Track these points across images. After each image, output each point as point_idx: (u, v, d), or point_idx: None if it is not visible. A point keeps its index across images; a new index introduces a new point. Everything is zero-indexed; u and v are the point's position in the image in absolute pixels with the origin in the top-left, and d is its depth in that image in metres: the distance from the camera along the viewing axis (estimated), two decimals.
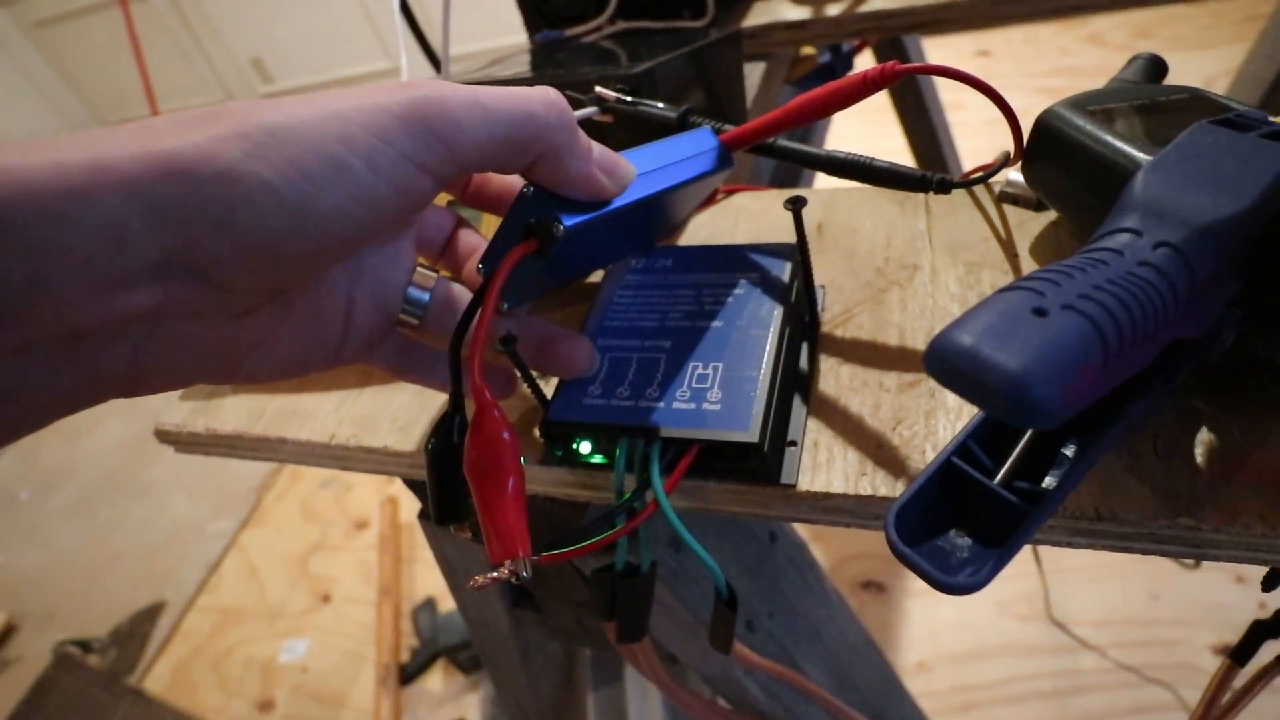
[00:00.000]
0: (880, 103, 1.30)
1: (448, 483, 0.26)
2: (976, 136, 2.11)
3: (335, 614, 1.45)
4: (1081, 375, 0.16)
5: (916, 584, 1.28)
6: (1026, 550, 1.22)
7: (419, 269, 0.29)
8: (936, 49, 2.48)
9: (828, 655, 0.52)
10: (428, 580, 1.47)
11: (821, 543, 1.33)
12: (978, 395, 0.17)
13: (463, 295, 0.30)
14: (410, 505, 1.61)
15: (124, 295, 0.18)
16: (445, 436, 0.26)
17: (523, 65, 0.48)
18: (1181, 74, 2.01)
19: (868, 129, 1.92)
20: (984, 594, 1.25)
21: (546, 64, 0.47)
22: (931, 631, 1.21)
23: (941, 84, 1.35)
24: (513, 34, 0.69)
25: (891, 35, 0.59)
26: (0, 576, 1.73)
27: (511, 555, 0.22)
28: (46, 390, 0.19)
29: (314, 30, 3.11)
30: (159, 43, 3.19)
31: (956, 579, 0.20)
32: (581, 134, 0.25)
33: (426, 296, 0.29)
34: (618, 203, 0.28)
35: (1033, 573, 1.21)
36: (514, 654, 0.55)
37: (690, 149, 0.32)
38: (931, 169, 0.33)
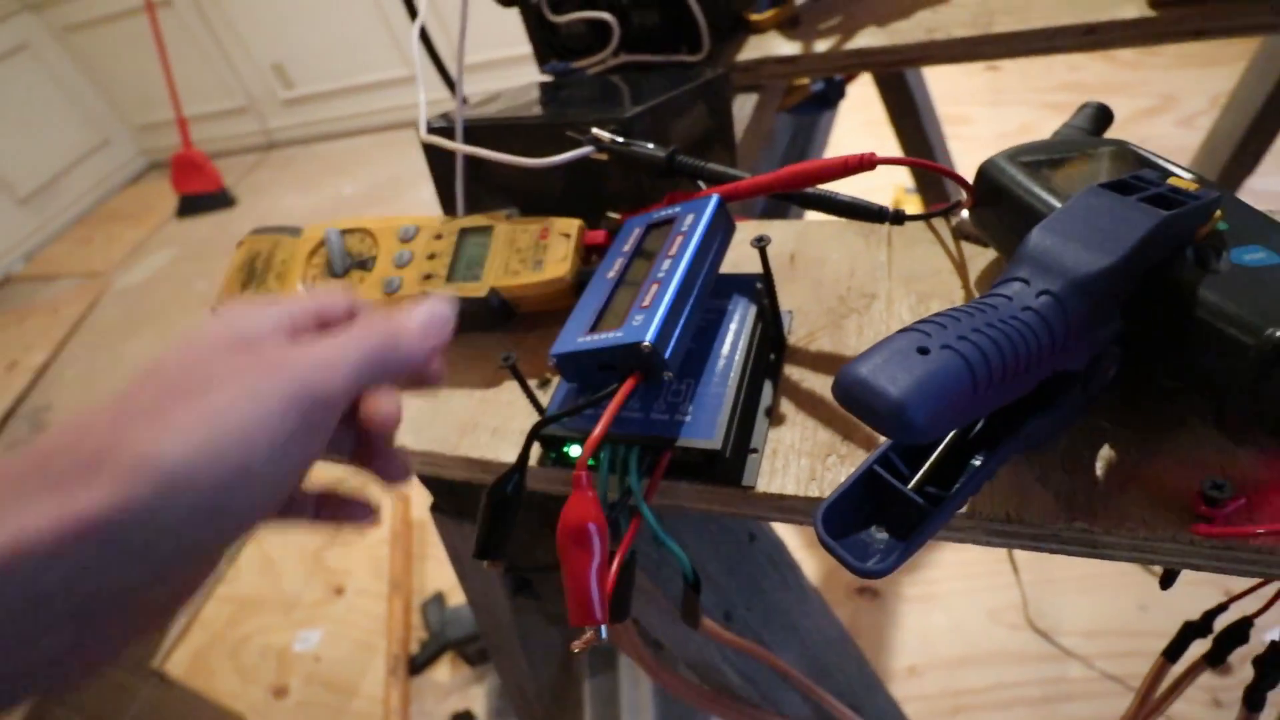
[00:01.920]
0: (882, 115, 1.34)
1: (496, 527, 0.31)
2: (984, 151, 2.14)
3: (348, 606, 1.50)
4: (951, 402, 0.21)
5: (910, 589, 1.31)
6: (1008, 558, 1.25)
7: None
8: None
9: (804, 648, 0.56)
10: (437, 575, 1.51)
11: (817, 548, 1.36)
12: (867, 416, 0.21)
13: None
14: (421, 503, 1.66)
15: (39, 644, 0.19)
16: (504, 489, 0.31)
17: (531, 103, 0.52)
18: (1190, 91, 2.03)
19: (872, 142, 1.96)
20: (976, 602, 1.28)
21: (551, 102, 0.52)
22: (923, 637, 1.24)
23: (943, 99, 1.38)
24: (520, 44, 0.73)
25: (876, 70, 0.63)
26: None
27: (589, 622, 0.27)
28: None
29: (334, 38, 3.18)
30: (184, 48, 3.26)
31: (866, 565, 0.25)
32: (404, 336, 0.28)
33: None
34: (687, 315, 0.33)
35: (1023, 582, 1.24)
36: (515, 638, 0.59)
37: (717, 233, 0.36)
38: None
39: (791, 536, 1.27)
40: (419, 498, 1.66)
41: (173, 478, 0.20)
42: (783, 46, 0.64)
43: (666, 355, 0.30)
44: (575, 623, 0.26)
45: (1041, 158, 0.36)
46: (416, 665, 1.35)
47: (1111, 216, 0.26)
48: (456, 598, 1.44)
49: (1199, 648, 0.45)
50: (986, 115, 2.23)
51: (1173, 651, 0.45)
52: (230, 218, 3.16)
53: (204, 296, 2.68)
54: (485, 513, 0.32)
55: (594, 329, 0.33)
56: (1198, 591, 1.22)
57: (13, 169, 3.27)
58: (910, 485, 0.26)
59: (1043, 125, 2.11)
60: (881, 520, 0.27)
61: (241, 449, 0.21)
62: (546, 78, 0.66)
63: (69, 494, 0.19)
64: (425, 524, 1.63)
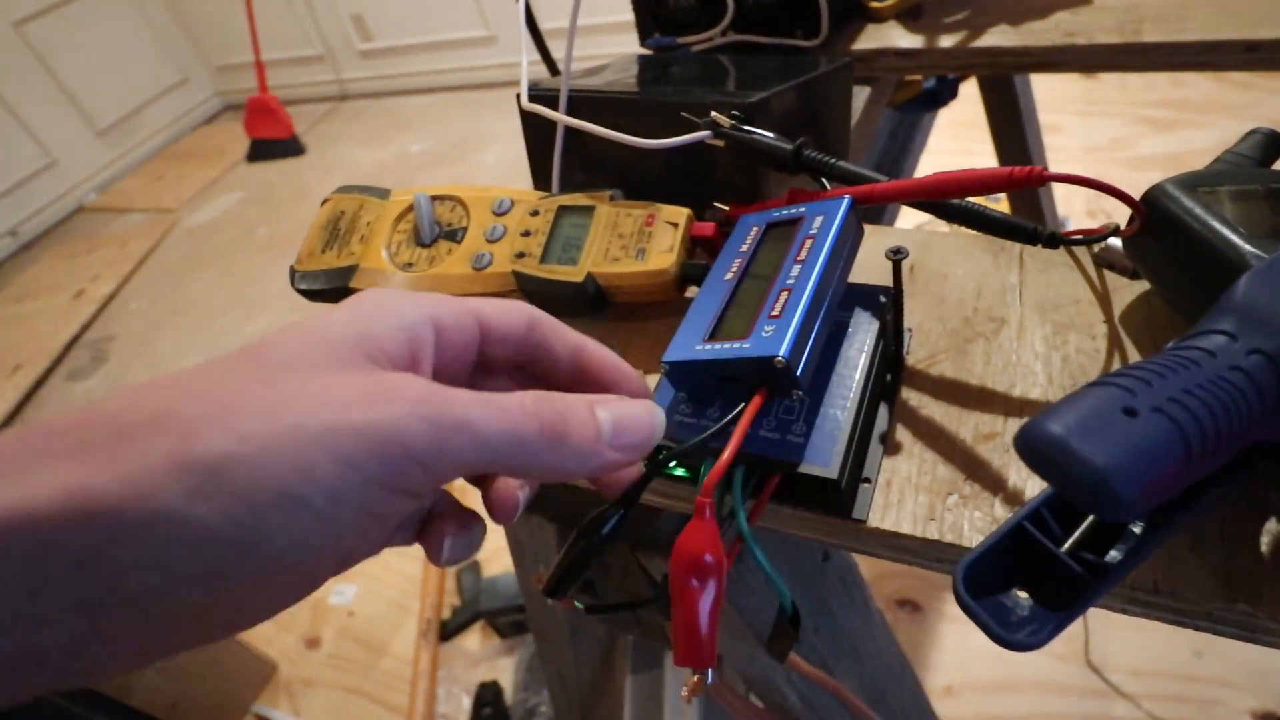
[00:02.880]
0: (974, 118, 1.28)
1: (576, 567, 0.27)
2: (1071, 164, 2.05)
3: (384, 565, 1.52)
4: (1163, 476, 0.18)
5: (953, 607, 1.27)
6: None
7: None
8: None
9: (865, 673, 0.54)
10: None
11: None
12: (1062, 484, 0.18)
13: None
14: None
15: (42, 632, 0.16)
16: (600, 529, 0.26)
17: (638, 78, 0.50)
18: None
19: (958, 144, 1.89)
20: None
21: (660, 79, 0.49)
22: (963, 657, 1.21)
23: (1039, 103, 1.32)
24: (616, 12, 0.71)
25: (1004, 72, 0.59)
26: None
27: (700, 665, 0.24)
28: None
29: None
30: None
31: (1017, 636, 0.22)
32: (578, 431, 0.22)
33: None
34: (819, 329, 0.30)
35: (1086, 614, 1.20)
36: (564, 630, 0.58)
37: (847, 240, 0.33)
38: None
39: None
40: None
41: (212, 474, 0.17)
42: (903, 38, 0.60)
43: (799, 372, 0.28)
44: (684, 664, 0.24)
45: (1219, 188, 0.32)
46: (448, 631, 1.36)
47: None
48: (491, 568, 1.44)
49: None
50: (1078, 125, 2.14)
51: None
52: (298, 165, 3.19)
53: (267, 241, 2.72)
54: (570, 551, 0.27)
55: (713, 337, 0.30)
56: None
57: (94, 101, 3.34)
58: (1064, 548, 0.24)
59: (1138, 141, 2.01)
60: (1023, 582, 0.24)
61: (299, 477, 0.18)
62: (646, 51, 0.63)
63: (87, 465, 0.16)
64: (464, 489, 1.64)
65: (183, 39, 3.68)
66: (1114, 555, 0.24)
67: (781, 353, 0.27)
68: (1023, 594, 0.24)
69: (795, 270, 0.30)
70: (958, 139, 1.81)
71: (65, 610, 0.16)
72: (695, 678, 0.24)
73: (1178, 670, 1.14)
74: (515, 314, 0.26)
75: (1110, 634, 1.19)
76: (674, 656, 0.24)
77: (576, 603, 0.30)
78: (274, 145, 3.23)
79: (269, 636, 1.42)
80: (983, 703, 1.16)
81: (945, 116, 1.59)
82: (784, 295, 0.29)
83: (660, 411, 0.25)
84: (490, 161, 2.81)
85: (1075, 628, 1.18)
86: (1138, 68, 0.53)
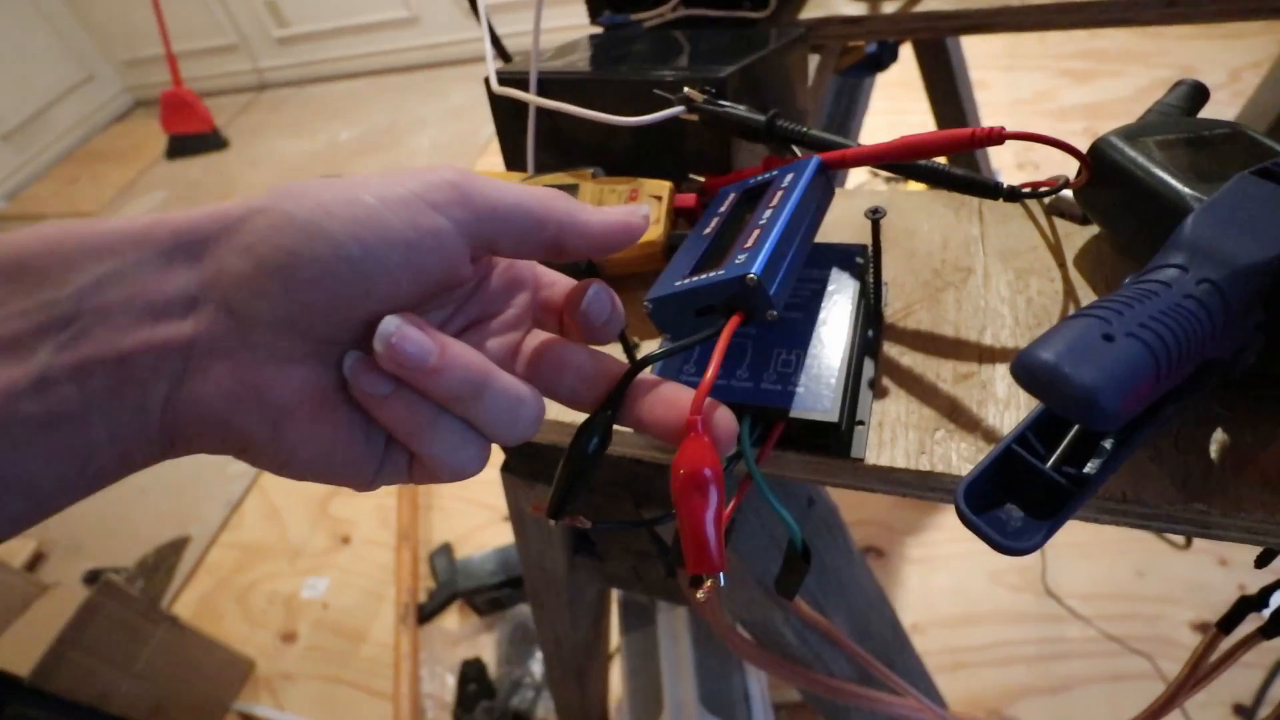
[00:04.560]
0: (907, 78, 1.32)
1: (576, 481, 0.28)
2: (997, 117, 2.13)
3: (354, 555, 1.51)
4: (1139, 389, 0.21)
5: (914, 551, 1.34)
6: None
7: None
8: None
9: (851, 608, 0.57)
10: (444, 526, 1.52)
11: (839, 497, 1.39)
12: (1056, 401, 0.21)
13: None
14: None
15: (161, 326, 0.21)
16: (587, 445, 0.27)
17: (600, 58, 0.51)
18: (1209, 64, 2.00)
19: (894, 104, 1.93)
20: (978, 564, 1.31)
21: (614, 60, 0.51)
22: (926, 596, 1.28)
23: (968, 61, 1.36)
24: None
25: (943, 35, 0.62)
26: None
27: (708, 569, 0.25)
28: (98, 420, 0.21)
29: None
30: None
31: (1017, 543, 0.25)
32: (577, 202, 0.27)
33: None
34: (792, 257, 0.32)
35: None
36: (564, 595, 0.60)
37: (816, 194, 0.35)
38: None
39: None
40: None
41: (301, 190, 0.22)
42: (848, 6, 0.63)
43: (771, 290, 0.29)
44: (694, 570, 0.25)
45: (1157, 138, 0.36)
46: (425, 614, 1.37)
47: (1270, 206, 0.26)
48: (464, 549, 1.45)
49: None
50: (1002, 80, 2.21)
51: (1227, 623, 0.46)
52: (222, 160, 3.08)
53: None
54: (566, 466, 0.28)
55: (692, 275, 0.32)
56: (1194, 559, 1.26)
57: None
58: (1048, 464, 0.27)
59: (1059, 93, 2.10)
60: (1015, 498, 0.27)
61: (358, 187, 0.23)
62: (595, 29, 0.64)
63: (228, 205, 0.23)
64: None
65: (84, 34, 3.49)
66: (1090, 468, 0.27)
67: (753, 270, 0.29)
68: (1016, 509, 0.27)
69: (767, 214, 0.32)
70: (893, 99, 1.86)
71: (178, 305, 0.22)
72: (709, 582, 0.26)
73: (1123, 591, 1.22)
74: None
75: (1061, 563, 1.27)
76: (686, 566, 0.26)
77: (583, 520, 0.31)
78: (194, 140, 3.11)
79: (243, 635, 1.41)
80: (947, 637, 1.23)
81: (881, 78, 1.63)
82: (756, 232, 0.31)
83: (643, 213, 0.28)
84: (425, 145, 2.76)
85: (1033, 559, 1.26)
86: (1068, 25, 0.57)
